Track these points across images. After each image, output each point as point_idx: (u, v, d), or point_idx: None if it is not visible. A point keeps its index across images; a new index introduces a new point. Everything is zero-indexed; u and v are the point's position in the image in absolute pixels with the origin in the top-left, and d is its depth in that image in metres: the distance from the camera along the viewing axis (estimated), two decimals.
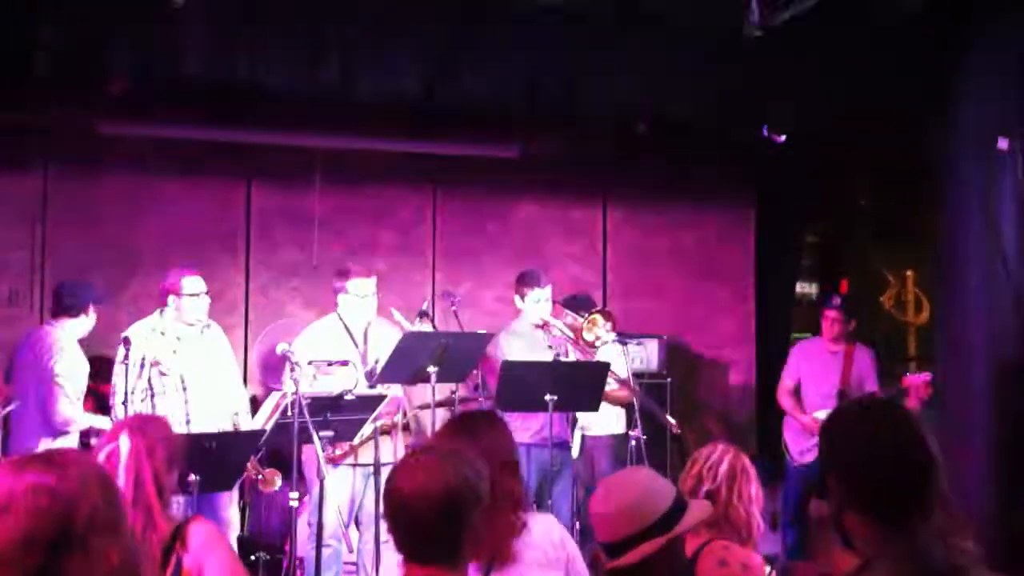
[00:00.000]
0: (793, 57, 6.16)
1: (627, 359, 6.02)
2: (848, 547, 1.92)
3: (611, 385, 6.22)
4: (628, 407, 6.33)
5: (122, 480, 2.78)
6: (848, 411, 2.10)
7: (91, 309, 5.81)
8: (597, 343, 5.81)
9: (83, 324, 5.80)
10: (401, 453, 5.68)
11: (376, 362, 5.58)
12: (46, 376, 5.60)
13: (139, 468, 2.80)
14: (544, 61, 6.32)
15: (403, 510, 2.31)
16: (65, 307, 5.77)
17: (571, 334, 5.89)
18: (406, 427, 5.98)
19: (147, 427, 2.89)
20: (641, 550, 2.59)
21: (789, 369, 6.87)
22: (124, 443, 2.81)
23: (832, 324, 6.70)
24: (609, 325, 5.81)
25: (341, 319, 5.81)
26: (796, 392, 6.83)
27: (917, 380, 6.39)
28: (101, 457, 2.82)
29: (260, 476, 5.44)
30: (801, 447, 6.73)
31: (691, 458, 3.34)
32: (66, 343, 5.70)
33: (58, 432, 5.62)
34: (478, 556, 2.90)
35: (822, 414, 6.57)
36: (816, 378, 6.75)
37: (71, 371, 5.65)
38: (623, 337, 6.03)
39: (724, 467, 3.28)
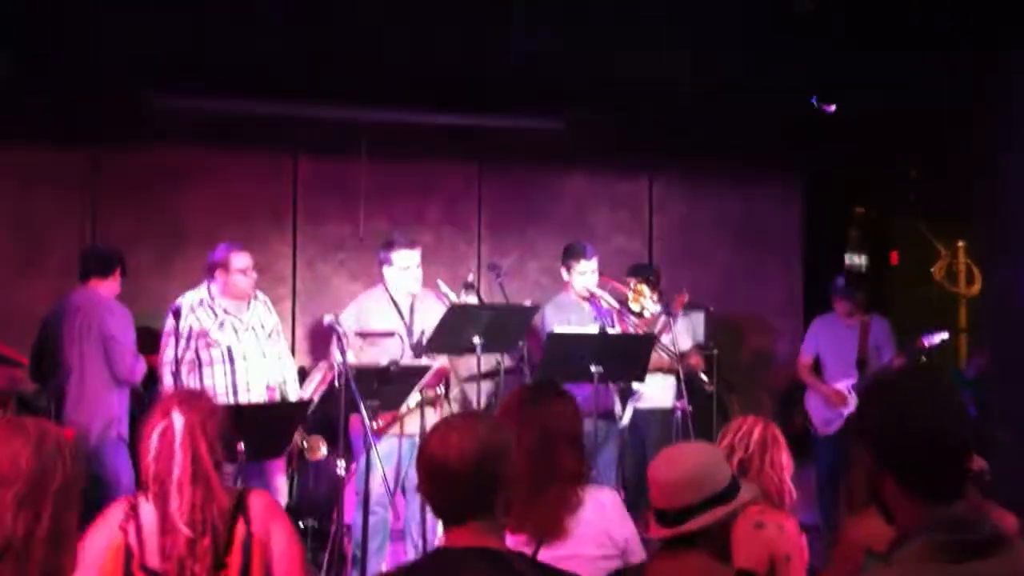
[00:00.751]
0: (845, 28, 6.08)
1: (675, 329, 5.99)
2: (886, 516, 1.90)
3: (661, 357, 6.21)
4: (676, 378, 6.31)
5: (179, 457, 2.79)
6: (882, 383, 2.07)
7: (119, 270, 5.84)
8: (644, 313, 5.80)
9: (108, 286, 5.81)
10: None
11: (422, 333, 5.61)
12: (106, 335, 5.65)
13: (195, 444, 2.81)
14: (586, 31, 6.28)
15: (438, 472, 2.32)
16: (94, 269, 5.81)
17: (617, 305, 5.88)
18: (451, 397, 6.02)
19: (196, 402, 2.90)
20: (703, 519, 2.60)
21: (806, 344, 7.12)
22: (177, 420, 2.82)
23: (839, 303, 6.97)
24: (656, 295, 5.79)
25: (387, 291, 5.84)
26: (815, 366, 7.05)
27: (935, 340, 6.64)
28: (156, 434, 2.83)
29: (305, 444, 5.49)
30: (825, 417, 6.88)
31: (722, 431, 3.35)
32: (106, 301, 5.74)
33: (130, 386, 5.73)
34: (530, 529, 2.89)
35: (843, 384, 6.83)
36: (834, 350, 6.95)
37: (125, 325, 5.70)
38: (669, 311, 6.02)
39: (755, 436, 3.31)
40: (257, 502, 2.87)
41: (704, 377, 6.06)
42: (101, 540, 2.82)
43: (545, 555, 2.85)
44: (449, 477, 2.31)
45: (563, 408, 3.18)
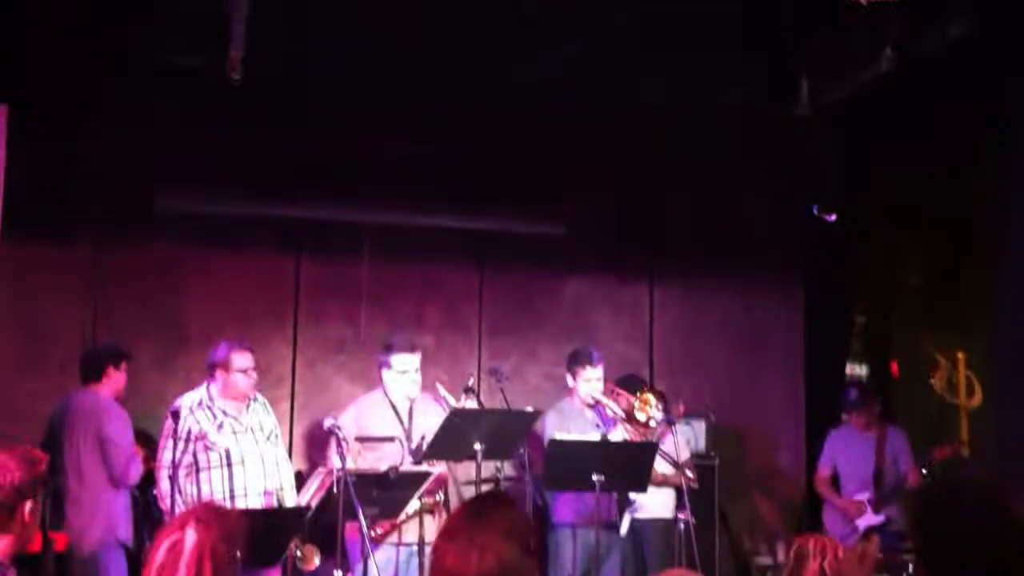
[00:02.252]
0: (843, 134, 6.17)
1: (677, 439, 5.94)
2: None
3: (668, 470, 6.14)
4: (678, 491, 6.23)
5: (181, 574, 2.73)
6: (941, 501, 1.99)
7: (111, 370, 5.83)
8: (651, 423, 5.76)
9: (108, 386, 5.82)
10: None
11: (422, 438, 5.54)
12: (103, 438, 5.65)
13: (201, 566, 2.73)
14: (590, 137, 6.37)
15: None
16: (89, 372, 5.84)
17: (623, 414, 5.84)
18: (449, 505, 5.92)
19: (215, 522, 2.82)
20: None
21: (824, 457, 7.04)
22: (189, 537, 2.74)
23: (855, 416, 6.96)
24: (661, 405, 5.76)
25: (386, 395, 5.79)
26: (833, 479, 6.98)
27: (946, 453, 6.64)
28: (164, 546, 2.75)
29: (299, 553, 5.37)
30: (842, 532, 6.74)
31: (796, 553, 3.19)
32: (104, 403, 5.74)
33: (127, 487, 5.67)
34: None
35: (860, 497, 6.76)
36: (852, 462, 6.90)
37: (122, 427, 5.69)
38: (671, 419, 5.98)
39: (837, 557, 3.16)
40: None
41: (690, 474, 6.00)
42: None
43: None
44: None
45: (514, 515, 3.08)
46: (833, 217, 6.81)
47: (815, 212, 6.79)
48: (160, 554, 2.74)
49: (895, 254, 7.98)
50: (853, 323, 8.38)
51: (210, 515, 2.85)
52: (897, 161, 6.28)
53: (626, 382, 6.29)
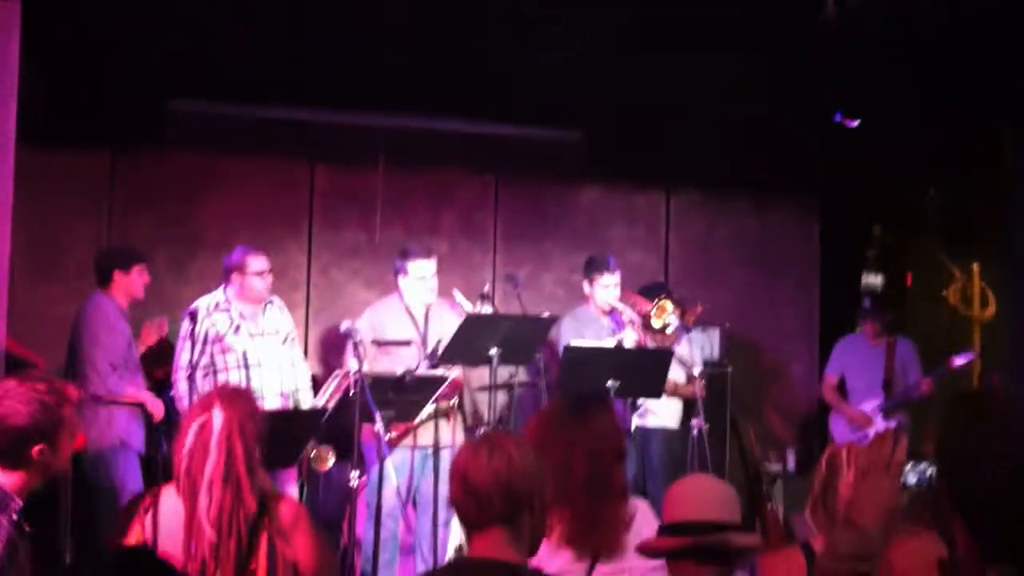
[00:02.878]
0: (867, 42, 6.05)
1: (690, 346, 5.95)
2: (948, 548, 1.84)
3: (679, 378, 6.16)
4: (686, 402, 6.26)
5: (214, 455, 2.75)
6: (967, 424, 1.96)
7: (118, 274, 5.69)
8: (667, 330, 5.76)
9: (118, 291, 5.71)
10: (459, 435, 5.69)
11: (438, 343, 5.57)
12: (77, 349, 5.58)
13: (231, 444, 2.76)
14: (610, 42, 6.25)
15: (466, 487, 2.34)
16: (97, 279, 5.75)
17: (639, 320, 5.84)
18: (462, 409, 5.98)
19: (238, 401, 2.85)
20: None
21: (831, 364, 7.08)
22: (217, 417, 2.78)
23: (867, 325, 6.99)
24: (678, 311, 5.76)
25: (402, 300, 5.80)
26: (840, 387, 7.01)
27: (963, 360, 6.69)
28: (192, 429, 2.79)
29: (314, 454, 5.44)
30: (848, 440, 6.71)
31: (829, 462, 3.16)
32: (87, 309, 5.63)
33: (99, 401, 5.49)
34: (588, 548, 2.85)
35: (868, 406, 6.80)
36: (860, 371, 6.93)
37: (101, 341, 5.55)
38: (687, 326, 5.99)
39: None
40: (284, 510, 2.82)
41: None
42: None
43: (604, 569, 2.81)
44: (473, 492, 2.33)
45: (609, 421, 3.13)
46: (856, 123, 6.71)
47: (838, 118, 6.69)
48: (189, 438, 2.78)
49: (912, 166, 7.89)
50: (869, 233, 8.33)
51: (233, 395, 2.89)
52: (918, 65, 6.18)
53: (653, 290, 6.29)
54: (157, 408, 5.57)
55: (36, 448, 2.70)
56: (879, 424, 6.70)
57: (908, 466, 5.77)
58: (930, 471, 5.69)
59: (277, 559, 2.75)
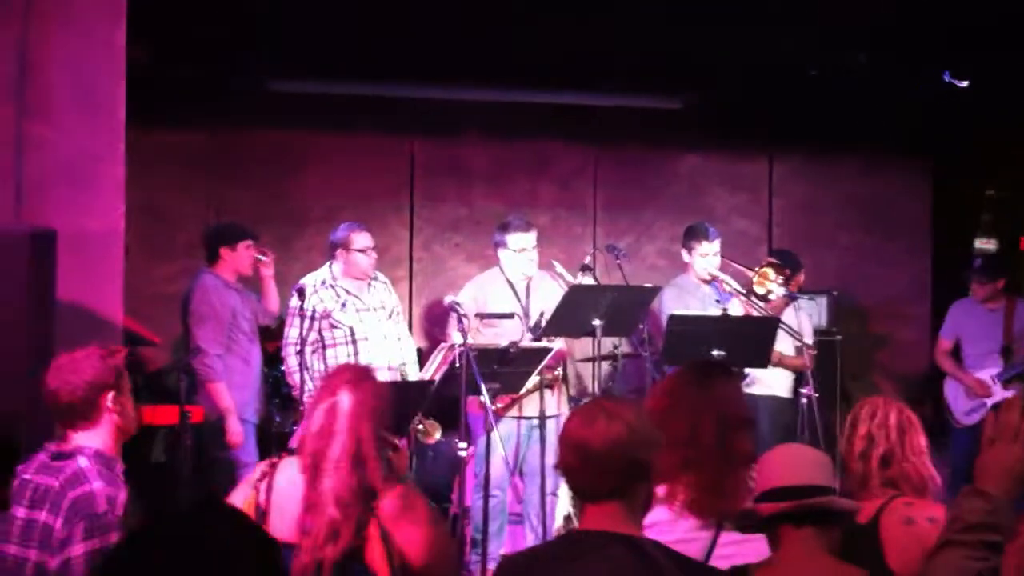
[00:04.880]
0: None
1: (798, 316, 5.83)
2: None
3: (787, 350, 6.04)
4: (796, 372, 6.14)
5: (343, 437, 2.75)
6: None
7: (224, 251, 5.76)
8: (770, 296, 5.66)
9: (226, 267, 5.77)
10: (564, 406, 5.69)
11: (541, 315, 5.57)
12: (185, 327, 5.69)
13: (360, 426, 2.77)
14: (709, 7, 6.14)
15: (580, 453, 2.30)
16: (206, 256, 5.84)
17: (742, 288, 5.76)
18: (568, 380, 5.97)
19: (366, 382, 2.85)
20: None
21: (946, 329, 6.82)
22: (344, 400, 2.79)
23: (977, 290, 6.69)
24: (781, 279, 5.65)
25: (503, 273, 5.81)
26: (955, 352, 6.76)
27: None
28: (322, 410, 2.81)
29: (421, 427, 5.50)
30: (965, 407, 6.61)
31: (850, 419, 3.17)
32: (196, 286, 5.69)
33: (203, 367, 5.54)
34: (711, 514, 2.83)
35: (985, 373, 6.54)
36: (976, 336, 6.68)
37: (203, 319, 5.61)
38: (793, 294, 5.87)
39: (892, 421, 3.12)
40: (393, 497, 2.77)
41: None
42: (238, 499, 2.86)
43: (729, 536, 2.78)
44: (591, 460, 2.28)
45: (732, 387, 3.10)
46: (965, 83, 6.48)
47: (947, 78, 6.47)
48: (318, 417, 2.80)
49: None
50: (983, 196, 8.07)
51: (360, 375, 2.90)
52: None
53: (780, 257, 6.17)
54: (235, 433, 5.56)
55: (106, 396, 2.94)
56: (997, 393, 6.48)
57: None
58: None
59: (392, 546, 2.74)
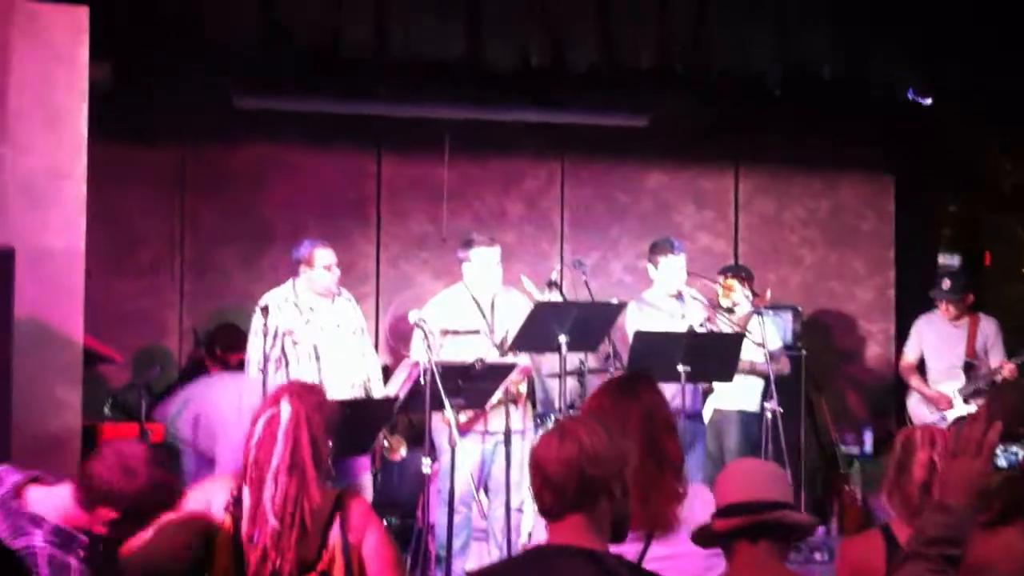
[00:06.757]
0: (938, 13, 5.92)
1: (763, 329, 5.86)
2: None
3: (757, 357, 6.07)
4: (765, 380, 6.17)
5: (280, 446, 2.78)
6: None
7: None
8: (735, 308, 5.69)
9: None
10: (529, 421, 5.69)
11: (507, 332, 5.57)
12: None
13: (297, 435, 2.79)
14: (673, 19, 6.19)
15: (540, 474, 2.32)
16: None
17: (705, 301, 5.79)
18: (532, 396, 5.97)
19: (306, 394, 2.89)
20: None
21: (910, 344, 6.88)
22: (284, 409, 2.81)
23: (948, 308, 6.74)
24: (747, 291, 5.68)
25: (467, 289, 5.81)
26: (920, 367, 6.81)
27: None
28: (261, 421, 2.83)
29: (387, 443, 5.48)
30: (928, 421, 6.56)
31: (904, 444, 3.10)
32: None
33: None
34: (641, 523, 2.83)
35: (948, 387, 6.59)
36: (940, 351, 6.73)
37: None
38: (758, 307, 5.91)
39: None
40: (356, 507, 2.84)
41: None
42: (195, 505, 2.82)
43: (659, 551, 2.78)
44: (548, 480, 2.31)
45: (657, 397, 3.13)
46: (929, 100, 6.56)
47: (910, 95, 6.54)
48: (258, 428, 2.82)
49: (987, 141, 7.70)
50: (945, 212, 8.16)
51: (302, 388, 2.94)
52: (992, 40, 6.03)
53: (729, 271, 6.20)
54: None
55: (114, 514, 2.67)
56: (959, 407, 6.54)
57: (999, 448, 5.60)
58: (1022, 453, 5.53)
59: (351, 557, 2.76)
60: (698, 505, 3.00)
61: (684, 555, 2.61)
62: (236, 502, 2.82)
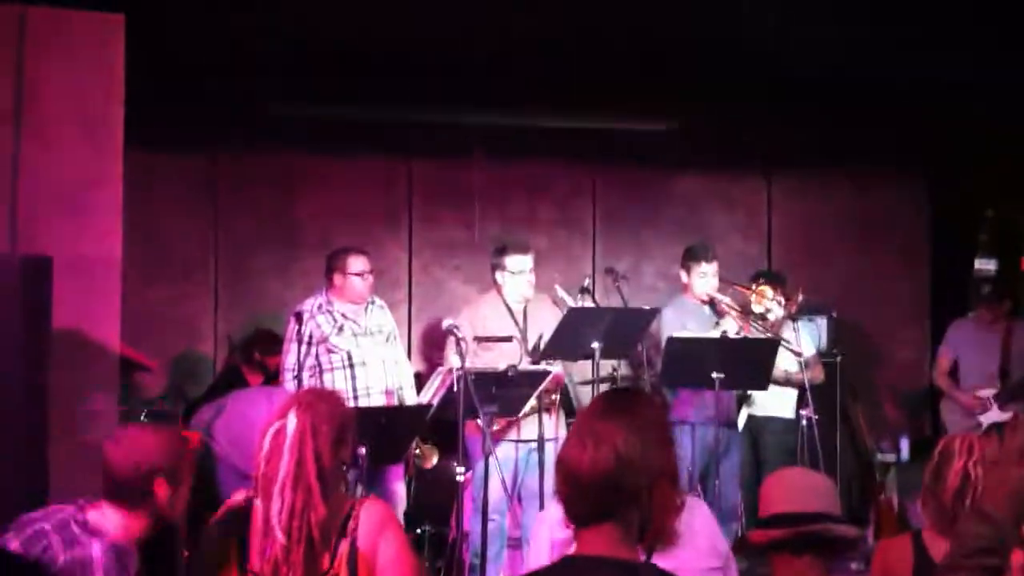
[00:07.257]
0: (976, 14, 5.85)
1: (798, 335, 5.81)
2: None
3: (791, 367, 6.03)
4: (800, 390, 6.12)
5: (285, 460, 2.72)
6: None
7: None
8: (768, 315, 5.65)
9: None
10: (562, 429, 5.67)
11: (540, 338, 5.55)
12: None
13: (302, 448, 2.73)
14: (702, 20, 6.15)
15: (571, 479, 2.26)
16: None
17: (739, 308, 5.75)
18: (565, 403, 5.95)
19: (316, 405, 2.81)
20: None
21: (945, 349, 6.84)
22: (291, 422, 2.76)
23: (986, 314, 6.74)
24: (780, 297, 5.64)
25: (500, 296, 5.80)
26: (953, 372, 6.77)
27: None
28: (270, 434, 2.79)
29: (419, 451, 5.47)
30: (963, 426, 6.54)
31: (942, 452, 3.06)
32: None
33: None
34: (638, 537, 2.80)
35: (983, 393, 6.53)
36: (974, 356, 6.69)
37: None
38: (791, 313, 5.86)
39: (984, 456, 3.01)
40: (367, 514, 2.76)
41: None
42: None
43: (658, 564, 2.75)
44: (580, 487, 2.25)
45: (649, 408, 3.08)
46: None
47: None
48: (267, 441, 2.77)
49: None
50: (982, 215, 8.06)
51: (312, 398, 2.85)
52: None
53: (763, 276, 6.15)
54: None
55: (159, 481, 2.92)
56: (994, 413, 6.46)
57: None
58: None
59: (357, 567, 2.71)
60: (700, 517, 2.97)
61: (683, 569, 2.56)
62: (246, 516, 2.80)
